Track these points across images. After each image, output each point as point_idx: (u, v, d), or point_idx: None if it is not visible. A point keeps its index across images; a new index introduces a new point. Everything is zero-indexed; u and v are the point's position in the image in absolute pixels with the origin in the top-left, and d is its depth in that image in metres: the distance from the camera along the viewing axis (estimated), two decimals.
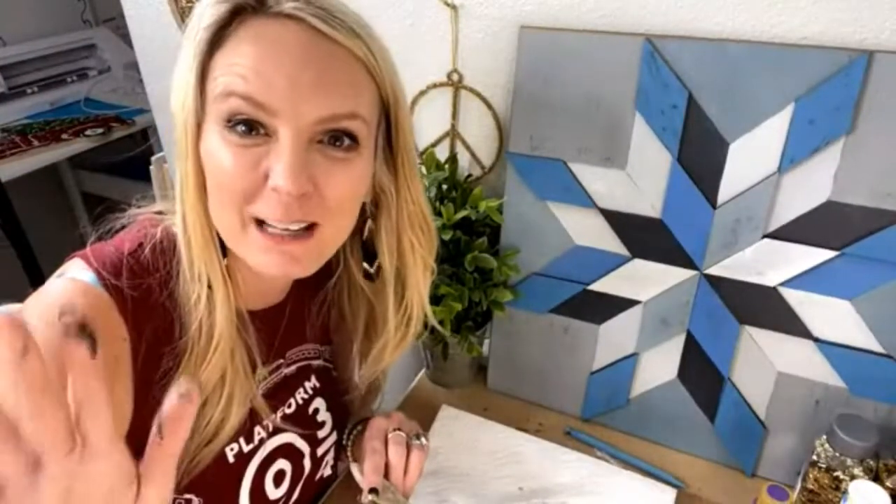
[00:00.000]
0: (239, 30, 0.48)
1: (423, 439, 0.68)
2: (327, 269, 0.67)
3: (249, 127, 0.48)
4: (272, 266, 0.51)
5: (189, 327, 0.53)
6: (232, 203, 0.49)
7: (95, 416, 0.29)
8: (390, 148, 0.57)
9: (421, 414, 0.87)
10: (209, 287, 0.53)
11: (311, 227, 0.51)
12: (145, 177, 1.20)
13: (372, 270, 0.64)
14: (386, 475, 0.65)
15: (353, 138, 0.51)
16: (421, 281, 0.65)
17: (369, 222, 0.61)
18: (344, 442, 0.73)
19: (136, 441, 0.54)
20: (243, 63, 0.47)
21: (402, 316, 0.66)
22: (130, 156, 1.94)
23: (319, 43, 0.48)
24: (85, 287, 0.50)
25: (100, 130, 1.83)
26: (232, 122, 0.48)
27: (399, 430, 0.67)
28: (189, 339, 0.53)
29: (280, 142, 0.48)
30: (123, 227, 0.58)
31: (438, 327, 0.74)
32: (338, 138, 0.50)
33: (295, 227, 0.50)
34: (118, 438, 0.31)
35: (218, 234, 0.53)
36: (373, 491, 0.63)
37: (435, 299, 0.82)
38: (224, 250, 0.53)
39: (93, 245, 0.54)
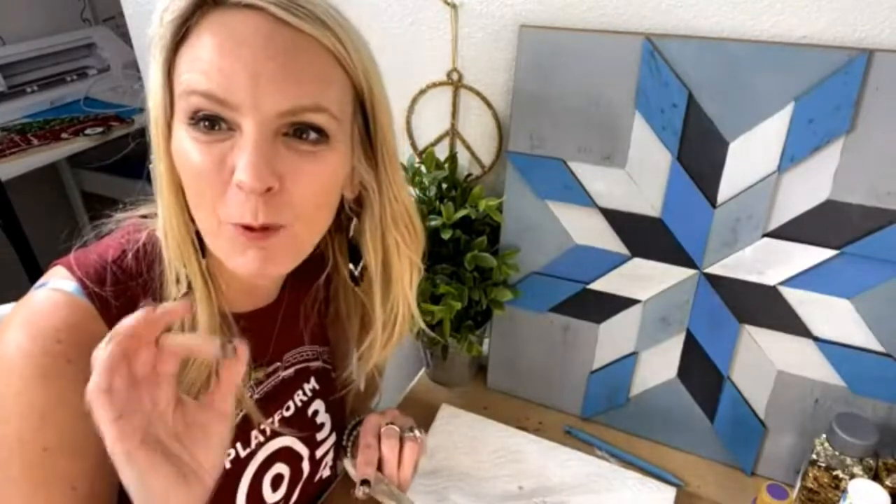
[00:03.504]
0: (201, 23, 0.47)
1: (416, 432, 0.68)
2: (319, 267, 0.66)
3: (213, 122, 0.46)
4: (248, 265, 0.49)
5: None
6: (205, 203, 0.48)
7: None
8: (371, 143, 0.55)
9: (421, 413, 0.87)
10: (189, 287, 0.52)
11: (280, 226, 0.50)
12: (145, 176, 1.19)
13: (357, 272, 0.63)
14: (381, 469, 0.65)
15: (321, 132, 0.49)
16: (407, 280, 0.63)
17: (354, 220, 0.60)
18: (343, 443, 0.73)
19: None
20: (204, 58, 0.46)
21: (389, 314, 0.65)
22: (130, 155, 1.94)
23: (282, 33, 0.46)
24: (68, 299, 0.50)
25: (99, 129, 1.82)
26: (195, 119, 0.47)
27: (392, 424, 0.68)
28: None
29: (244, 136, 0.46)
30: (110, 232, 0.57)
31: (423, 327, 0.72)
32: (304, 131, 0.48)
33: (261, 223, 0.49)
34: None
35: (198, 233, 0.52)
36: (365, 483, 0.63)
37: (435, 298, 0.82)
38: (204, 250, 0.53)
39: (76, 252, 0.53)
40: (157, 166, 0.50)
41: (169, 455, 0.41)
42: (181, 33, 0.47)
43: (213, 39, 0.46)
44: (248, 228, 0.48)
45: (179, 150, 0.48)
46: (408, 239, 0.61)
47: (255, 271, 0.50)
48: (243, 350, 0.42)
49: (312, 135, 0.49)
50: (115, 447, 0.38)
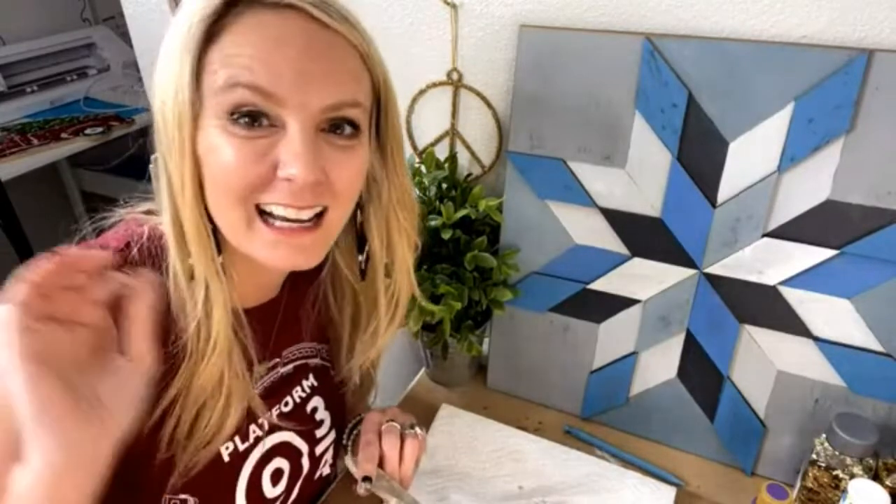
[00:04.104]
0: (237, 21, 0.47)
1: (417, 429, 0.68)
2: (320, 264, 0.67)
3: (253, 118, 0.47)
4: (281, 259, 0.51)
5: (185, 330, 0.53)
6: (236, 197, 0.49)
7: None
8: (378, 134, 0.57)
9: (421, 413, 0.87)
10: (206, 287, 0.52)
11: (320, 215, 0.52)
12: (145, 175, 1.20)
13: (363, 263, 0.64)
14: (382, 466, 0.65)
15: (354, 125, 0.51)
16: (409, 259, 0.65)
17: (358, 212, 0.61)
18: (344, 442, 0.73)
19: (126, 444, 0.54)
20: (248, 53, 0.47)
21: (391, 297, 0.67)
22: (130, 154, 1.94)
23: (320, 32, 0.49)
24: None
25: (99, 129, 1.82)
26: (236, 114, 0.47)
27: (392, 421, 0.68)
28: (188, 342, 0.53)
29: (289, 132, 0.48)
30: (111, 227, 0.57)
31: (423, 302, 0.73)
32: (339, 126, 0.51)
33: (306, 215, 0.50)
34: None
35: (213, 233, 0.52)
36: (366, 480, 0.63)
37: (435, 298, 0.82)
38: (218, 248, 0.53)
39: (78, 245, 0.53)
40: (179, 167, 0.49)
41: (66, 381, 0.39)
42: (212, 32, 0.47)
43: (255, 37, 0.47)
44: (283, 222, 0.50)
45: (212, 148, 0.48)
46: (407, 217, 0.63)
47: (287, 265, 0.53)
48: (147, 283, 0.43)
49: (347, 129, 0.51)
50: (9, 352, 0.37)
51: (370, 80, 0.53)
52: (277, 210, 0.50)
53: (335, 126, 0.50)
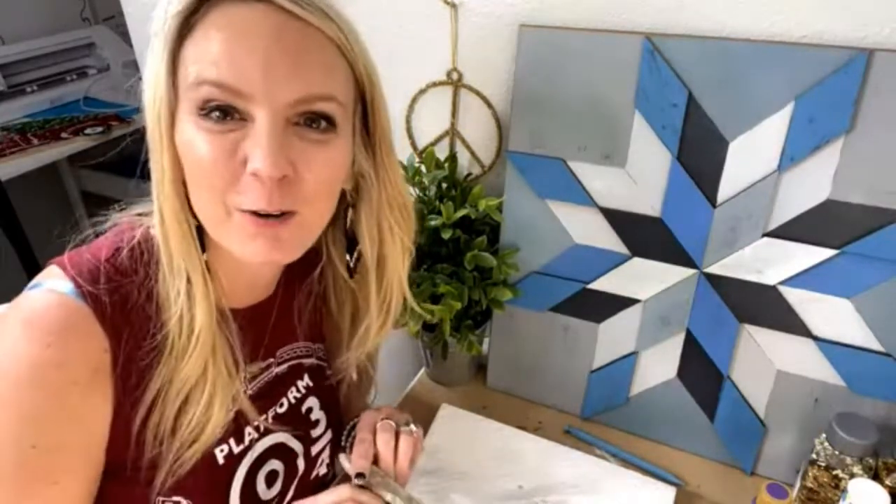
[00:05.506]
0: (207, 16, 0.47)
1: (413, 426, 0.68)
2: (313, 262, 0.67)
3: (224, 112, 0.47)
4: (258, 252, 0.51)
5: (168, 322, 0.53)
6: (214, 193, 0.49)
7: None
8: (367, 131, 0.56)
9: (421, 412, 0.87)
10: (188, 281, 0.52)
11: (291, 212, 0.51)
12: (145, 175, 1.19)
13: (352, 263, 0.64)
14: (377, 463, 0.65)
15: (330, 120, 0.50)
16: (400, 263, 0.64)
17: (350, 211, 0.61)
18: (343, 443, 0.73)
19: (116, 441, 0.54)
20: (214, 49, 0.46)
21: (383, 298, 0.66)
22: (130, 154, 1.94)
23: (291, 24, 0.48)
24: (62, 299, 0.50)
25: (99, 129, 1.83)
26: (206, 109, 0.47)
27: (388, 419, 0.68)
28: (169, 334, 0.53)
29: (257, 125, 0.47)
30: (105, 232, 0.57)
31: (416, 307, 0.73)
32: (314, 120, 0.50)
33: (275, 211, 0.50)
34: None
35: (196, 228, 0.52)
36: (360, 476, 0.63)
37: (435, 298, 0.82)
38: (203, 245, 0.53)
39: (70, 252, 0.54)
40: (159, 161, 0.50)
41: None
42: (187, 27, 0.47)
43: (223, 32, 0.47)
44: (260, 215, 0.49)
45: (187, 143, 0.48)
46: (402, 222, 0.62)
47: (264, 258, 0.51)
48: None
49: (322, 123, 0.50)
50: None
51: (351, 74, 0.52)
52: (249, 209, 0.49)
53: (309, 120, 0.49)
